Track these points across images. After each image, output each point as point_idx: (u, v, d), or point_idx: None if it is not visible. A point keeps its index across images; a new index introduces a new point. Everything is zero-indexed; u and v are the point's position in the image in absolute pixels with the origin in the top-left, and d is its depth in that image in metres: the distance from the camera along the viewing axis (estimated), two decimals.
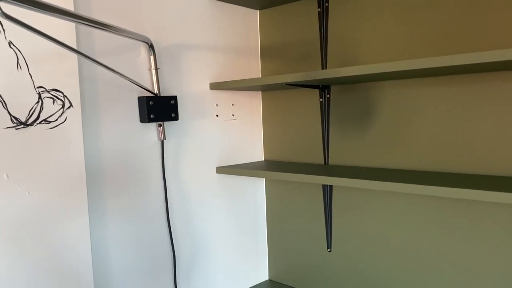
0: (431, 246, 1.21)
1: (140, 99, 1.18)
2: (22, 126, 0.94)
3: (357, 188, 1.34)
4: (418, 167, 1.22)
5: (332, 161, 1.40)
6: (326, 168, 1.31)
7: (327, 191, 1.41)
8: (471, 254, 1.14)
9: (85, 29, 1.07)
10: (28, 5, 0.65)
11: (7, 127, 0.92)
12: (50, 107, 0.98)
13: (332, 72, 1.09)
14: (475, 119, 1.11)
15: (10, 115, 0.92)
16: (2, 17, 0.60)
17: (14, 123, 0.93)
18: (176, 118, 1.24)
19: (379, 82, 1.27)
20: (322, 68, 1.38)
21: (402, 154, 1.24)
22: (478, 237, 1.13)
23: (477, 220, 1.13)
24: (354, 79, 1.16)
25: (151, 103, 1.18)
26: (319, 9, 1.36)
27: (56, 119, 1.00)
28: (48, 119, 0.98)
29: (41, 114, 0.97)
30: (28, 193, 0.95)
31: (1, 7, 0.60)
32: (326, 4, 1.35)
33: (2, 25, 0.90)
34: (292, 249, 1.54)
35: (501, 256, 1.10)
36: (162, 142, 1.25)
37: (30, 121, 0.95)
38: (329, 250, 1.43)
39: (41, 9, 0.69)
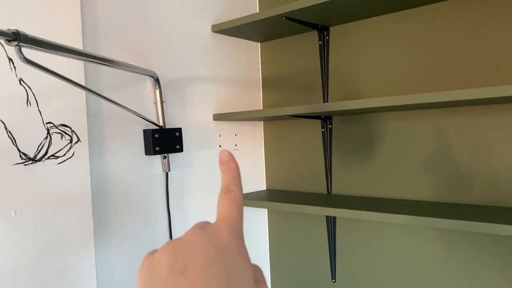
0: (436, 278, 1.21)
1: (145, 132, 1.19)
2: (30, 162, 0.94)
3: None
4: (420, 197, 1.23)
5: (335, 190, 1.41)
6: (329, 198, 1.32)
7: (331, 221, 1.41)
8: (477, 286, 1.15)
9: (93, 65, 1.09)
10: (46, 48, 0.67)
11: (16, 163, 0.92)
12: (58, 142, 0.99)
13: (334, 106, 1.12)
14: (478, 149, 1.13)
15: (19, 151, 0.93)
16: (24, 62, 0.62)
17: (23, 159, 0.93)
18: (180, 149, 1.25)
19: (381, 113, 1.30)
20: (324, 99, 1.41)
21: (404, 184, 1.25)
22: (484, 269, 1.13)
23: (483, 251, 1.13)
24: (355, 111, 1.18)
25: (156, 135, 1.19)
26: (320, 42, 1.40)
27: (64, 154, 1.00)
28: (56, 154, 0.99)
29: (49, 150, 0.98)
30: (35, 229, 0.95)
31: (23, 53, 0.62)
32: (327, 38, 1.38)
33: (13, 63, 0.92)
34: (296, 280, 1.53)
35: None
36: (167, 174, 1.25)
37: (38, 156, 0.96)
38: (333, 281, 1.42)
39: (57, 51, 0.71)
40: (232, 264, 0.33)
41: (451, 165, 1.17)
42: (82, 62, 1.04)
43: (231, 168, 0.40)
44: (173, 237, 1.27)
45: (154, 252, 0.36)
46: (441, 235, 1.20)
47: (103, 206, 1.10)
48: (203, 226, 0.36)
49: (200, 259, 0.33)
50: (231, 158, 0.41)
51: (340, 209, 1.14)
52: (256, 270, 0.36)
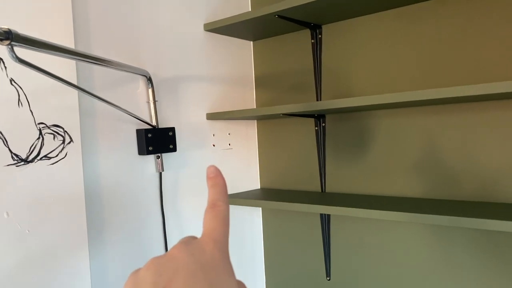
0: (430, 274, 1.22)
1: (138, 131, 1.19)
2: (22, 163, 0.93)
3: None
4: (412, 194, 1.24)
5: (329, 188, 1.41)
6: (323, 196, 1.32)
7: (325, 219, 1.41)
8: (471, 283, 1.16)
9: (85, 64, 1.08)
10: (38, 47, 0.66)
11: (8, 165, 0.91)
12: (50, 143, 0.98)
13: (327, 104, 1.12)
14: (467, 146, 1.14)
15: (11, 152, 0.92)
16: (16, 61, 0.61)
17: (15, 160, 0.92)
18: (174, 149, 1.25)
19: (373, 111, 1.30)
20: (317, 98, 1.41)
21: (397, 181, 1.26)
22: (474, 263, 1.15)
23: (473, 246, 1.15)
24: (348, 109, 1.18)
25: (149, 135, 1.18)
26: (313, 41, 1.40)
27: (57, 155, 0.99)
28: (48, 155, 0.98)
29: (41, 151, 0.97)
30: (28, 231, 0.94)
31: (15, 52, 0.61)
32: (320, 36, 1.39)
33: (4, 62, 0.91)
34: (291, 278, 1.53)
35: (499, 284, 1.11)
36: (160, 174, 1.25)
37: (30, 157, 0.95)
38: (328, 278, 1.43)
39: (49, 50, 0.70)
40: (216, 278, 0.33)
41: (442, 162, 1.18)
42: (74, 62, 1.03)
43: (218, 184, 0.41)
44: (167, 237, 1.27)
45: (139, 269, 0.36)
46: (432, 231, 1.21)
47: (97, 206, 1.10)
48: (187, 241, 0.36)
49: (184, 274, 0.33)
50: (218, 173, 0.41)
51: (334, 207, 1.15)
52: (240, 285, 0.37)
